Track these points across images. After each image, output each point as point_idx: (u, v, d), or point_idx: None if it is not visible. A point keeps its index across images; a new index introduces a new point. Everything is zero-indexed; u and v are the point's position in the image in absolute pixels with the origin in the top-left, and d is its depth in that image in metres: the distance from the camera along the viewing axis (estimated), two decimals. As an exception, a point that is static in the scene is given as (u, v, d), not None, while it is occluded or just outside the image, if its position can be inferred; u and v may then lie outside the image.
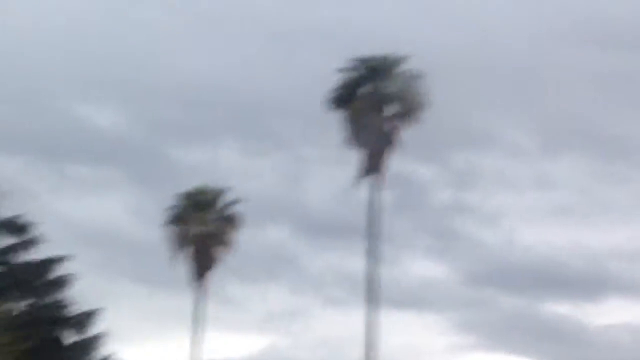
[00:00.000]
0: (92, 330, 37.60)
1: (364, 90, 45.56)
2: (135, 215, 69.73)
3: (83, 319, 37.31)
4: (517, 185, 72.57)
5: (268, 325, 63.97)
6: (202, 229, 48.31)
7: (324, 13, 74.59)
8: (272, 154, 74.76)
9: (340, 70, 45.89)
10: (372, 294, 42.73)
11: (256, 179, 67.95)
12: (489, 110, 71.88)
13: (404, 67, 45.68)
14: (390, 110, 45.21)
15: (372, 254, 43.38)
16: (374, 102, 45.14)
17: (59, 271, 37.49)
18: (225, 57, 78.02)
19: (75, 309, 37.53)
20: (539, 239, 70.90)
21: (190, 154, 73.79)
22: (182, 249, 48.33)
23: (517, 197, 71.62)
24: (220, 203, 49.83)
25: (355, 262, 66.14)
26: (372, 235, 43.54)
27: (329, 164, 69.03)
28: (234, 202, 49.87)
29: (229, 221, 49.09)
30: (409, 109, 44.65)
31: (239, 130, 73.10)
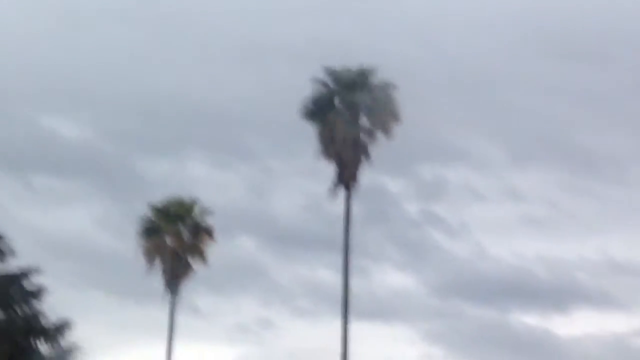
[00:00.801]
0: (65, 342, 37.26)
1: (336, 102, 45.76)
2: (103, 226, 69.53)
3: (55, 331, 36.95)
4: (485, 197, 73.02)
5: (238, 336, 63.92)
6: (175, 240, 48.24)
7: (290, 27, 74.87)
8: (239, 166, 74.94)
9: (313, 82, 46.06)
10: (347, 306, 42.83)
11: (223, 191, 67.89)
12: (456, 123, 72.35)
13: (376, 79, 45.93)
14: (363, 122, 45.47)
15: (346, 266, 43.48)
16: (347, 115, 45.34)
17: (31, 283, 37.13)
18: (193, 70, 78.05)
19: (47, 321, 37.18)
20: (508, 251, 71.51)
21: (157, 166, 73.71)
22: (155, 260, 48.17)
23: (485, 209, 72.01)
24: (193, 214, 49.79)
25: (323, 274, 66.74)
26: (346, 247, 43.65)
27: (296, 176, 69.46)
28: (207, 214, 49.86)
29: (202, 232, 49.04)
30: (382, 121, 44.84)
31: (206, 143, 73.24)
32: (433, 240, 69.89)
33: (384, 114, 44.90)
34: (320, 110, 45.59)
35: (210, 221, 49.75)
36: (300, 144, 67.25)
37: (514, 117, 76.62)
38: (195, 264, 48.54)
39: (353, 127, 45.13)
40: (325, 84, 46.20)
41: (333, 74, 46.12)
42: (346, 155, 44.49)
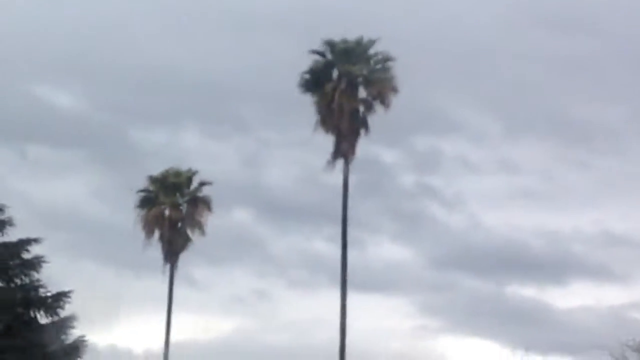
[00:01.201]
0: (63, 313, 37.30)
1: (334, 73, 45.64)
2: (98, 197, 69.31)
3: (54, 301, 36.96)
4: (480, 169, 72.95)
5: (234, 307, 63.98)
6: (174, 211, 48.21)
7: None
8: (234, 137, 74.76)
9: (311, 53, 45.92)
10: (345, 278, 42.94)
11: (218, 162, 67.70)
12: (451, 94, 72.23)
13: (374, 50, 45.85)
14: (361, 93, 45.40)
15: (344, 238, 43.56)
16: (345, 86, 45.21)
17: (29, 253, 37.11)
18: (186, 40, 77.80)
19: (46, 291, 37.18)
20: (503, 223, 71.25)
21: (151, 137, 73.43)
22: (153, 231, 48.12)
23: (480, 181, 71.84)
24: (191, 186, 49.74)
25: (319, 245, 66.75)
26: (344, 219, 43.70)
27: (291, 147, 69.33)
28: (205, 185, 49.82)
29: (201, 204, 48.98)
30: (380, 92, 44.74)
31: (200, 113, 73.00)
32: (429, 212, 69.89)
33: (382, 85, 44.75)
34: (318, 81, 45.44)
35: (207, 192, 49.71)
36: (294, 116, 67.36)
37: (509, 88, 76.53)
38: (193, 235, 48.60)
39: (351, 98, 45.00)
40: (322, 55, 46.03)
41: (330, 45, 45.92)
42: (344, 127, 44.37)
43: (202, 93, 72.41)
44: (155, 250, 48.20)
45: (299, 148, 65.95)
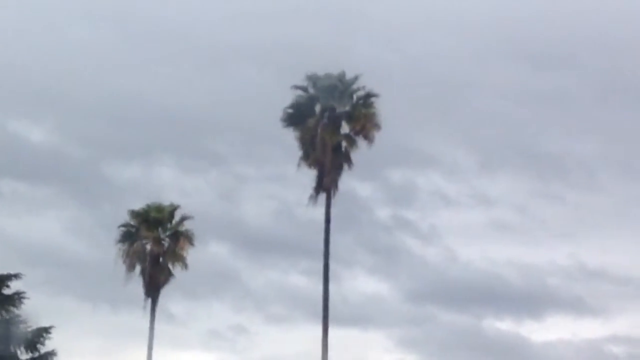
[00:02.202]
0: (43, 349, 37.05)
1: (317, 108, 45.73)
2: (73, 232, 69.09)
3: (34, 337, 36.72)
4: (455, 202, 73.11)
5: (212, 342, 63.68)
6: (156, 246, 47.95)
7: (257, 33, 74.78)
8: (209, 172, 74.52)
9: (293, 88, 46.02)
10: (327, 313, 42.78)
11: (193, 197, 67.54)
12: (425, 129, 72.42)
13: (357, 86, 45.97)
14: (344, 129, 45.46)
15: (326, 273, 43.47)
16: (327, 121, 45.30)
17: (9, 289, 36.88)
18: (161, 75, 77.87)
19: (26, 327, 36.93)
20: (479, 256, 71.55)
21: (125, 171, 73.28)
22: (134, 266, 47.78)
23: (456, 215, 72.01)
24: (172, 220, 49.53)
25: (296, 280, 66.77)
26: (326, 253, 43.63)
27: (266, 181, 69.47)
28: (186, 219, 49.65)
29: (182, 238, 48.74)
30: (363, 128, 44.83)
31: (175, 148, 72.84)
32: (405, 246, 69.95)
33: (365, 121, 44.84)
34: (300, 116, 45.52)
35: (189, 227, 49.51)
36: (269, 150, 67.73)
37: (483, 122, 77.02)
38: (174, 270, 48.30)
39: (334, 133, 45.07)
40: (305, 90, 46.13)
41: (313, 80, 46.05)
42: (327, 162, 44.38)
43: (177, 127, 72.64)
44: (135, 285, 47.83)
45: (274, 182, 66.34)
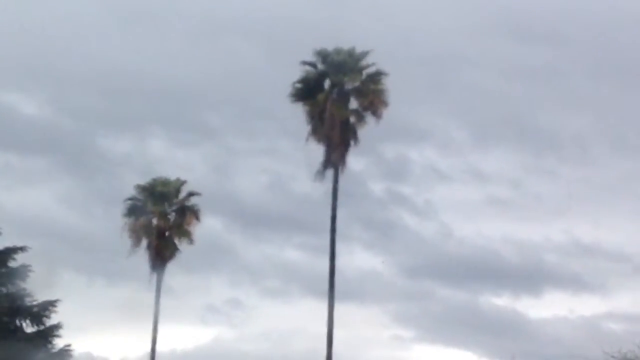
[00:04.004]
0: (49, 322, 36.99)
1: (326, 84, 45.45)
2: (67, 205, 68.95)
3: (40, 310, 36.64)
4: (449, 178, 72.58)
5: (210, 316, 63.70)
6: (162, 220, 47.90)
7: (250, 6, 74.30)
8: (202, 145, 74.24)
9: (302, 64, 45.74)
10: (333, 288, 42.67)
11: (186, 170, 67.31)
12: (419, 103, 71.85)
13: (366, 62, 45.66)
14: (353, 105, 45.21)
15: (333, 248, 43.35)
16: (337, 96, 45.03)
17: (15, 262, 36.76)
18: (154, 47, 77.61)
19: (32, 300, 36.85)
20: (474, 232, 71.37)
21: (118, 144, 73.03)
22: (140, 240, 47.74)
23: (450, 190, 71.19)
24: (179, 195, 49.45)
25: (291, 254, 66.68)
26: (333, 229, 43.49)
27: (259, 155, 69.33)
28: (193, 195, 49.56)
29: (189, 213, 48.69)
30: (372, 104, 44.55)
31: (167, 121, 72.58)
32: (400, 221, 69.16)
33: (374, 97, 44.57)
34: (310, 91, 45.24)
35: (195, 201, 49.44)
36: (261, 123, 67.55)
37: (476, 97, 76.48)
38: (181, 245, 48.29)
39: (343, 109, 44.80)
40: (314, 67, 45.85)
41: (323, 55, 45.75)
42: (335, 138, 44.15)
43: (170, 100, 72.35)
44: (135, 258, 47.68)
45: (266, 156, 66.15)
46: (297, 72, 45.78)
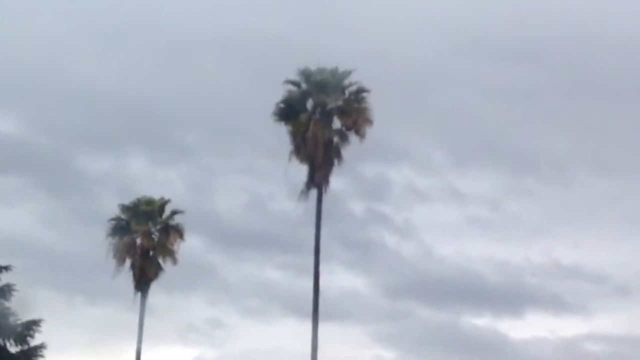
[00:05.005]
0: (33, 342, 36.91)
1: (309, 104, 45.60)
2: (46, 224, 68.77)
3: (24, 330, 36.56)
4: (429, 198, 72.97)
5: (191, 336, 63.60)
6: (146, 239, 47.83)
7: (227, 26, 74.70)
8: (180, 164, 74.17)
9: (286, 83, 45.86)
10: (317, 307, 42.70)
11: (164, 189, 67.21)
12: (397, 123, 72.22)
13: (349, 81, 45.85)
14: (336, 124, 45.36)
15: (316, 268, 43.40)
16: (320, 117, 45.18)
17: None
18: (131, 67, 77.64)
19: (16, 319, 36.77)
20: (454, 251, 71.88)
21: (96, 163, 73.17)
22: (124, 260, 47.63)
23: (430, 210, 71.45)
24: (163, 214, 49.41)
25: (271, 274, 66.66)
26: (317, 248, 43.56)
27: (238, 174, 69.38)
28: (177, 213, 49.54)
29: (173, 232, 48.65)
30: (355, 123, 44.71)
31: (145, 140, 72.57)
32: (380, 240, 69.47)
33: (357, 116, 44.74)
34: (292, 111, 45.37)
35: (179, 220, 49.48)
36: (239, 142, 67.70)
37: (455, 118, 77.14)
38: (165, 264, 48.20)
39: (326, 129, 44.95)
40: (297, 86, 46.00)
41: (306, 75, 45.90)
42: (318, 157, 44.24)
43: (148, 119, 72.45)
44: (119, 279, 47.57)
45: (244, 174, 66.17)
46: (277, 91, 46.02)
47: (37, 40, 75.57)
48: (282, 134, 45.19)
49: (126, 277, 47.88)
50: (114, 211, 49.30)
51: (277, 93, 45.70)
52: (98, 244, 48.62)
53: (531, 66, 78.47)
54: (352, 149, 45.18)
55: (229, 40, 74.36)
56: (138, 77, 76.42)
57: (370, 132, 45.23)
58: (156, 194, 50.57)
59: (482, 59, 79.36)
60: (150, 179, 68.55)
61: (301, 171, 44.80)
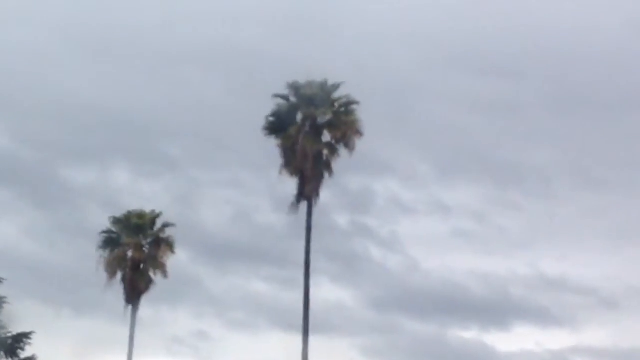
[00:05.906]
0: (23, 354, 36.97)
1: (299, 117, 45.75)
2: (31, 236, 68.64)
3: (14, 342, 36.61)
4: (413, 210, 73.25)
5: (177, 349, 63.52)
6: (137, 252, 47.83)
7: (211, 37, 74.82)
8: (166, 176, 74.25)
9: (275, 97, 46.00)
10: (308, 320, 42.77)
11: (150, 201, 67.34)
12: (382, 136, 72.45)
13: (338, 94, 46.05)
14: (325, 137, 45.52)
15: (307, 281, 43.50)
16: (309, 130, 45.32)
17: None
18: (115, 80, 77.73)
19: (6, 332, 36.80)
20: (440, 264, 71.95)
21: (80, 175, 72.83)
22: (115, 272, 47.59)
23: (414, 223, 71.85)
24: (154, 227, 49.43)
25: (257, 286, 66.65)
26: (307, 262, 43.63)
27: (224, 187, 69.41)
28: (168, 226, 49.58)
29: (163, 245, 48.66)
30: (344, 136, 44.88)
31: (130, 152, 72.53)
32: (366, 253, 69.77)
33: (346, 128, 44.92)
34: (282, 124, 45.50)
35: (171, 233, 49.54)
36: (224, 154, 67.78)
37: (439, 130, 77.38)
38: (155, 277, 48.20)
39: (315, 142, 45.11)
40: (286, 99, 46.13)
41: (295, 88, 46.05)
42: (308, 170, 44.36)
43: (133, 131, 72.51)
44: (110, 292, 47.51)
45: (229, 187, 66.15)
46: (263, 104, 46.11)
47: (22, 53, 75.79)
48: (270, 147, 45.48)
49: (116, 290, 48.04)
50: (101, 223, 49.60)
51: (264, 106, 45.93)
52: (86, 256, 48.83)
53: (515, 79, 79.06)
54: (340, 161, 45.39)
55: (215, 53, 74.72)
56: (124, 90, 76.56)
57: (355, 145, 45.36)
58: (142, 207, 50.69)
59: (467, 72, 79.92)
60: (136, 191, 68.66)
61: (290, 184, 45.03)
